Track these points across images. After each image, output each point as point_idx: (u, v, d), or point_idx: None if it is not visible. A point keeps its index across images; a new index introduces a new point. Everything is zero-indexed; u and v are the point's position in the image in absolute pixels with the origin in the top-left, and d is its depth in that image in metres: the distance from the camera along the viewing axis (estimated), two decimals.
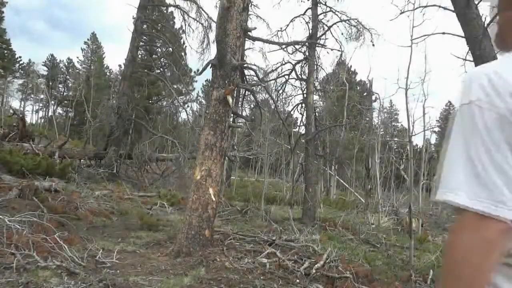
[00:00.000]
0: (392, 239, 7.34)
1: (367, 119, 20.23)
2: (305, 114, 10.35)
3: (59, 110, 46.70)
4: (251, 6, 8.54)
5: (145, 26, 14.44)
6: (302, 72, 10.53)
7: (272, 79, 11.03)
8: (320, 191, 19.53)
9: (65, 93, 46.27)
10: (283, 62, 10.48)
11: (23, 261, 3.18)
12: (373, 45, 10.54)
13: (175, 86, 19.29)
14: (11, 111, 25.65)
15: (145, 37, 15.44)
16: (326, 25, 10.65)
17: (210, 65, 4.91)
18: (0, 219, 4.00)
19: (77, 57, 45.54)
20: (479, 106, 0.67)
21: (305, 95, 10.33)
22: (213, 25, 12.02)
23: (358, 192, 17.38)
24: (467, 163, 0.68)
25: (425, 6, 5.82)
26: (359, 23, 10.35)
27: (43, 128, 32.74)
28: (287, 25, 10.67)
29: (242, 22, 4.86)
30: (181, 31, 18.01)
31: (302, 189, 10.72)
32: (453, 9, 5.09)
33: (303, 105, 10.54)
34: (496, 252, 0.67)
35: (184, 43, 18.80)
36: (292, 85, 11.82)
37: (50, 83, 42.71)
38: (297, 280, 3.70)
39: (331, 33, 10.68)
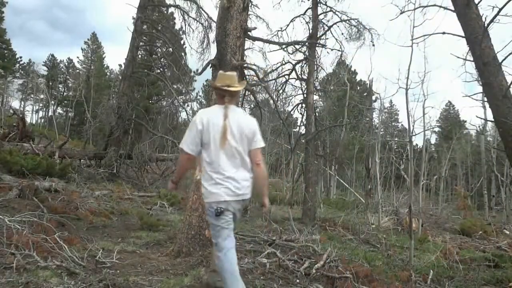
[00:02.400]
0: (392, 239, 7.34)
1: (367, 119, 20.23)
2: (305, 114, 10.33)
3: (59, 110, 46.72)
4: (251, 6, 8.53)
5: (145, 26, 14.43)
6: (302, 72, 10.51)
7: (272, 79, 11.01)
8: (320, 191, 19.54)
9: (65, 93, 46.27)
10: (283, 62, 10.46)
11: (23, 261, 3.18)
12: (373, 45, 10.55)
13: (175, 86, 19.30)
14: (11, 111, 25.66)
15: (145, 37, 15.43)
16: (326, 25, 10.64)
17: (210, 65, 4.90)
18: (0, 219, 4.00)
19: (77, 57, 45.60)
20: (195, 119, 2.62)
21: (305, 95, 10.32)
22: (213, 25, 12.01)
23: (358, 192, 17.38)
24: (186, 135, 2.62)
25: (425, 6, 5.82)
26: (359, 23, 10.34)
27: (43, 128, 32.74)
28: (287, 25, 10.66)
29: (242, 22, 4.85)
30: (181, 31, 18.02)
31: (302, 189, 10.71)
32: (453, 9, 5.09)
33: (303, 105, 10.53)
34: (186, 164, 2.71)
35: (184, 43, 18.81)
36: (292, 85, 11.79)
37: (50, 83, 42.71)
38: (297, 280, 3.70)
39: (331, 33, 10.67)
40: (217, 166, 2.54)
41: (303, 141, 11.06)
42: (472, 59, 4.95)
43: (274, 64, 11.27)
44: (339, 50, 10.79)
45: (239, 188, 2.56)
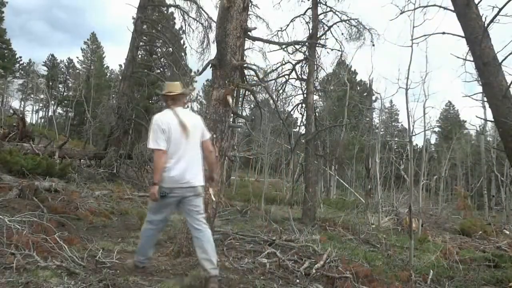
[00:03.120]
0: (392, 239, 7.34)
1: (367, 119, 20.22)
2: (305, 114, 10.33)
3: (59, 110, 46.69)
4: (251, 6, 8.54)
5: (145, 26, 14.42)
6: (302, 72, 10.52)
7: (272, 79, 11.03)
8: (320, 191, 19.54)
9: (65, 93, 46.24)
10: (283, 62, 10.47)
11: (23, 261, 3.18)
12: (373, 45, 10.56)
13: None
14: (11, 111, 25.66)
15: (145, 37, 15.42)
16: (326, 25, 10.64)
17: (210, 65, 4.90)
18: (0, 219, 4.00)
19: (77, 57, 45.56)
20: (155, 121, 3.10)
21: (305, 95, 10.32)
22: (213, 25, 12.01)
23: (358, 192, 17.38)
24: (152, 135, 3.06)
25: (425, 6, 5.81)
26: (359, 23, 10.35)
27: (43, 128, 32.73)
28: (287, 25, 10.67)
29: (242, 22, 4.85)
30: (181, 31, 18.02)
31: (302, 189, 10.71)
32: (453, 9, 5.09)
33: (303, 105, 10.53)
34: (162, 159, 3.02)
35: (184, 43, 18.81)
36: (292, 85, 11.81)
37: (50, 83, 42.68)
38: (297, 280, 3.70)
39: (331, 33, 10.68)
40: (174, 158, 3.07)
41: (303, 141, 11.06)
42: (472, 59, 4.95)
43: (274, 64, 11.31)
44: (339, 50, 10.81)
45: (185, 178, 3.08)
